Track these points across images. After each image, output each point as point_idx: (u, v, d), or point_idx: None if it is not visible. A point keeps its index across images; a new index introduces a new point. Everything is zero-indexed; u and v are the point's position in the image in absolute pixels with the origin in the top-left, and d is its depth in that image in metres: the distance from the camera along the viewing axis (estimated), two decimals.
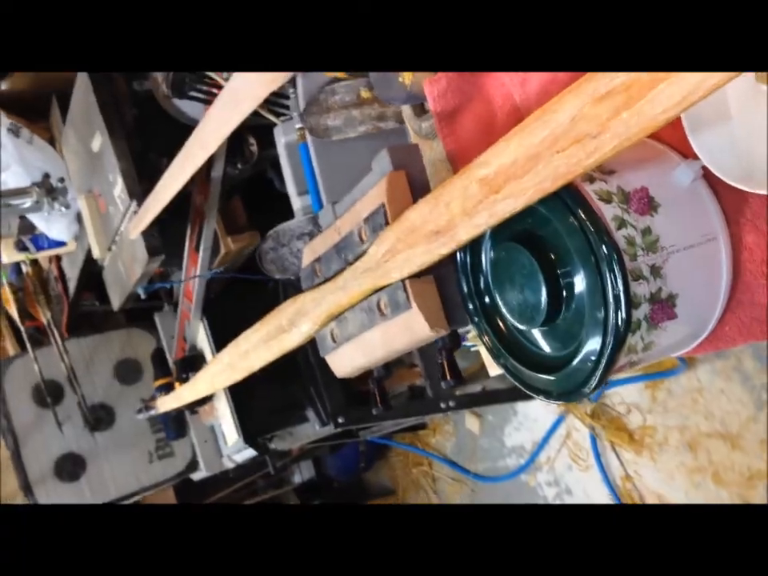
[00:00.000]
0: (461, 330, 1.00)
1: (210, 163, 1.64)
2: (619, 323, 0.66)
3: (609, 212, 0.67)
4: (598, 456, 2.20)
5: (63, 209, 1.83)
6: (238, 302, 1.96)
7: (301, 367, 2.01)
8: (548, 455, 2.39)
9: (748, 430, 1.82)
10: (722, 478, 1.89)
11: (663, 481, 2.04)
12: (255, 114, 1.31)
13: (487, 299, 0.82)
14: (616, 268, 0.65)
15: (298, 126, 1.40)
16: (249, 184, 1.87)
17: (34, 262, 2.23)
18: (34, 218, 1.94)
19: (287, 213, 1.53)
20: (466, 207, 0.70)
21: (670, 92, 0.53)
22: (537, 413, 2.41)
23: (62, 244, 2.03)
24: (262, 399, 1.98)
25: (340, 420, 2.01)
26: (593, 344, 0.69)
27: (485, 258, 0.81)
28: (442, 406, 2.14)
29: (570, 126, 0.59)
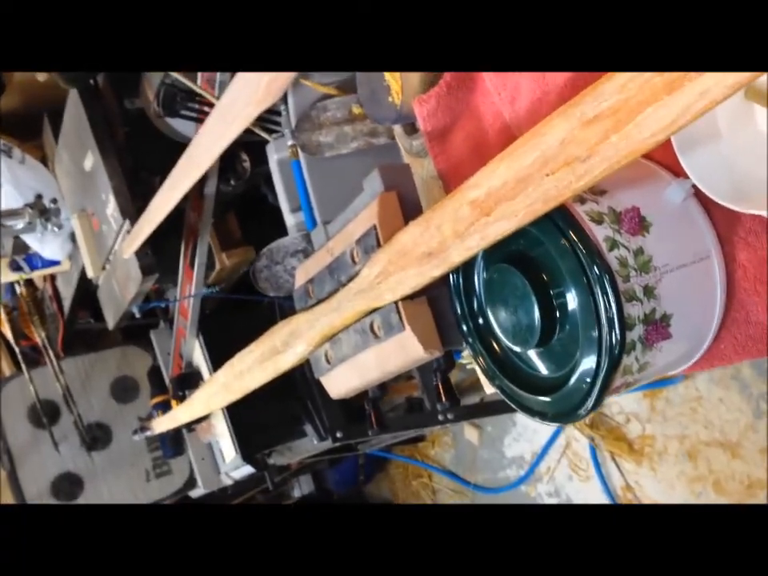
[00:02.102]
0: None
1: (203, 180, 1.64)
2: (614, 345, 0.65)
3: (600, 233, 0.67)
4: (597, 466, 2.20)
5: (56, 229, 1.82)
6: (234, 317, 1.96)
7: (298, 382, 2.01)
8: (548, 465, 2.39)
9: (747, 438, 1.81)
10: (723, 487, 1.88)
11: (663, 490, 2.04)
12: (247, 131, 1.31)
13: (481, 320, 0.81)
14: (609, 290, 0.65)
15: (290, 142, 1.39)
16: (243, 200, 1.87)
17: (29, 282, 2.23)
18: (27, 238, 1.93)
19: (282, 227, 1.52)
20: (458, 230, 0.69)
21: (658, 115, 0.52)
22: (536, 423, 2.40)
23: (56, 263, 2.02)
24: (259, 415, 1.97)
25: (338, 434, 2.00)
26: (588, 365, 0.68)
27: (478, 280, 0.81)
28: (440, 418, 2.14)
29: (559, 149, 0.59)
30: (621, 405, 2.11)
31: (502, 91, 0.86)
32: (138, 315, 1.82)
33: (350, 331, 0.90)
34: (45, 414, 2.10)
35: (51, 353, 2.13)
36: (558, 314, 0.71)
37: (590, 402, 0.69)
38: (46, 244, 1.92)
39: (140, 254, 1.60)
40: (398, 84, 0.97)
